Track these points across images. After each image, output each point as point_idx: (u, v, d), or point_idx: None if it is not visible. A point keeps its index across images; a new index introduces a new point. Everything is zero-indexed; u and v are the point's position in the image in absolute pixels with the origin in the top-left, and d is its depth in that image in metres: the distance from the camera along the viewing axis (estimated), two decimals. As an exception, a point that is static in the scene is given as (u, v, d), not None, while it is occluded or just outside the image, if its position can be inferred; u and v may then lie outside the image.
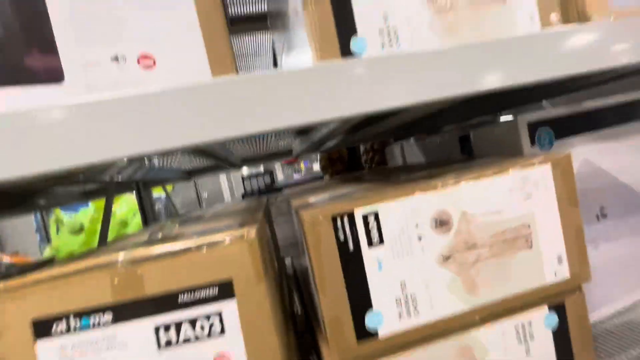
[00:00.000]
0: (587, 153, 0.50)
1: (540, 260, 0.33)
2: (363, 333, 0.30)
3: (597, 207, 0.50)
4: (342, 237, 0.29)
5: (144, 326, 0.25)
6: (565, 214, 0.34)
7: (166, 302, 0.25)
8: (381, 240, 0.30)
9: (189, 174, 0.88)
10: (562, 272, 0.34)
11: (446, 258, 0.31)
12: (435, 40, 0.34)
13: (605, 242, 0.50)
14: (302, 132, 0.75)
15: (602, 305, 0.51)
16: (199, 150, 0.49)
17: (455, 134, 0.63)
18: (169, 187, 1.20)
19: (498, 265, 0.32)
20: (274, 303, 0.28)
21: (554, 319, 0.34)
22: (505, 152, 0.49)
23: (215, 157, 0.62)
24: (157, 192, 1.38)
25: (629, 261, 0.52)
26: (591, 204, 0.50)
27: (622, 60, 0.35)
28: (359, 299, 0.30)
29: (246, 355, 0.26)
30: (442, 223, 0.31)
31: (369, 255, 0.30)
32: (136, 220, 1.30)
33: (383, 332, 0.30)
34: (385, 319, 0.30)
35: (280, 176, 2.86)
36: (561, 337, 0.34)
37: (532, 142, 0.47)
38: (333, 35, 0.32)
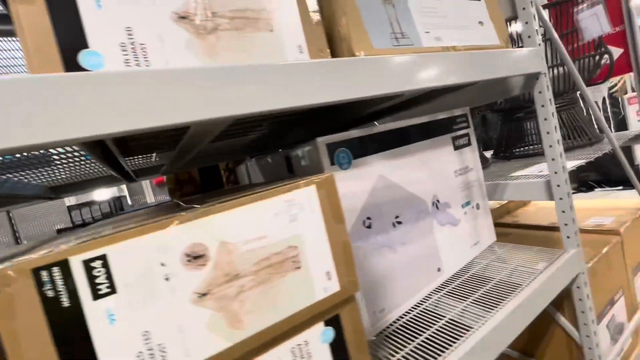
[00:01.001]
0: (382, 170, 0.57)
1: (309, 279, 0.34)
2: (90, 407, 0.24)
3: (392, 216, 0.57)
4: (51, 293, 0.23)
5: None
6: (332, 231, 0.36)
7: None
8: (113, 289, 0.25)
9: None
10: (332, 287, 0.36)
11: (202, 295, 0.29)
12: (195, 61, 0.32)
13: (402, 246, 0.58)
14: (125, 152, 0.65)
15: (403, 302, 0.58)
16: None
17: (283, 154, 0.65)
18: None
19: (265, 292, 0.32)
20: None
21: (330, 333, 0.36)
22: (312, 172, 0.51)
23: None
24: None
25: (421, 259, 0.61)
26: (388, 214, 0.57)
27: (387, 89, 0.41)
28: (84, 365, 0.24)
29: None
30: (196, 257, 0.29)
31: (94, 309, 0.25)
32: None
33: (120, 398, 0.25)
34: (122, 382, 0.25)
35: (151, 199, 2.52)
36: (338, 348, 0.36)
37: (332, 162, 0.51)
38: (52, 46, 0.26)
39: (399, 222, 0.59)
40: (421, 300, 0.61)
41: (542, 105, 0.63)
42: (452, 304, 0.57)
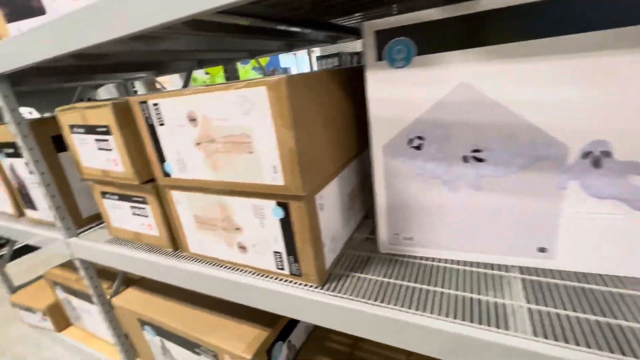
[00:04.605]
0: (469, 76, 0.38)
1: (259, 165, 0.42)
2: (165, 173, 0.52)
3: (467, 147, 0.41)
4: (147, 115, 0.49)
5: (87, 137, 0.57)
6: (280, 133, 0.38)
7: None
8: (163, 122, 0.47)
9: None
10: (277, 179, 0.41)
11: (198, 143, 0.46)
12: None
13: (470, 189, 0.43)
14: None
15: (448, 248, 0.47)
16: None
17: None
18: (263, 60, 1.47)
19: (229, 158, 0.44)
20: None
21: (280, 212, 0.44)
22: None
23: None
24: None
25: (504, 220, 0.43)
26: (460, 143, 0.42)
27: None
28: (160, 155, 0.51)
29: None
30: (192, 119, 0.44)
31: (160, 130, 0.49)
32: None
33: (173, 175, 0.51)
34: (172, 165, 0.50)
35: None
36: (286, 227, 0.44)
37: (381, 56, 0.41)
38: None
39: (478, 159, 0.41)
40: (491, 265, 0.46)
41: None
42: (507, 295, 0.41)
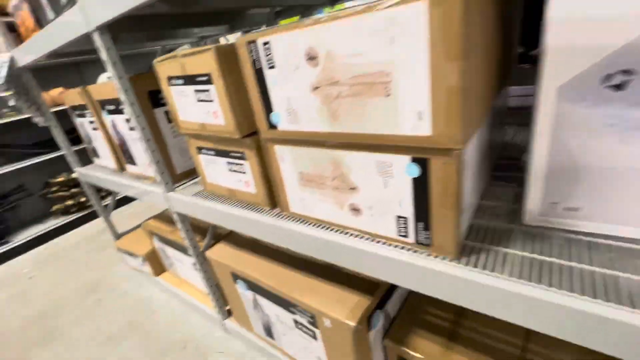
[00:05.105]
0: None
1: (396, 110, 0.34)
2: (270, 125, 0.47)
3: None
4: (254, 58, 0.43)
5: (187, 87, 0.55)
6: (438, 68, 0.29)
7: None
8: (273, 65, 0.41)
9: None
10: (422, 129, 0.33)
11: (315, 88, 0.39)
12: None
13: None
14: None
15: (619, 221, 0.36)
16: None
17: None
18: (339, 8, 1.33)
19: (355, 103, 0.36)
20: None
21: (415, 170, 0.36)
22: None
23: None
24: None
25: None
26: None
27: None
28: (267, 104, 0.45)
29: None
30: (311, 58, 0.37)
31: (268, 75, 0.43)
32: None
33: (280, 127, 0.46)
34: (280, 116, 0.45)
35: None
36: (420, 188, 0.37)
37: (585, -50, 0.29)
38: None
39: None
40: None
41: None
42: None
